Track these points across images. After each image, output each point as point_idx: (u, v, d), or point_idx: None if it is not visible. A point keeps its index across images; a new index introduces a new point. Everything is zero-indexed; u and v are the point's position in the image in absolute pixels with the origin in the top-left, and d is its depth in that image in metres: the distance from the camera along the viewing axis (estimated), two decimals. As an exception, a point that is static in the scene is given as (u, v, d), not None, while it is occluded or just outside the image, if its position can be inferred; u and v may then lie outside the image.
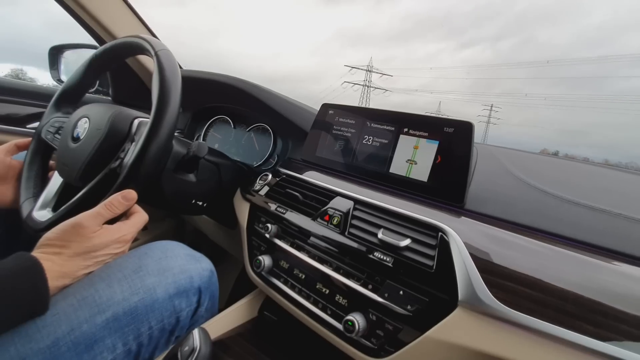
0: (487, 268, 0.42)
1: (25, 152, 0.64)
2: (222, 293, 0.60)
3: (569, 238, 0.46)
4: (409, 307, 0.46)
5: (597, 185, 0.59)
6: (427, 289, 0.45)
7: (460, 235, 0.45)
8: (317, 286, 0.56)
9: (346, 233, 0.54)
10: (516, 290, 0.40)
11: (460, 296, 0.41)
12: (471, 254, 0.43)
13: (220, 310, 0.63)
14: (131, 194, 0.48)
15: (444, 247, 0.45)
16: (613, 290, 0.38)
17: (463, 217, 0.51)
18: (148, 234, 1.11)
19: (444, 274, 0.44)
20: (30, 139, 0.65)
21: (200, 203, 0.70)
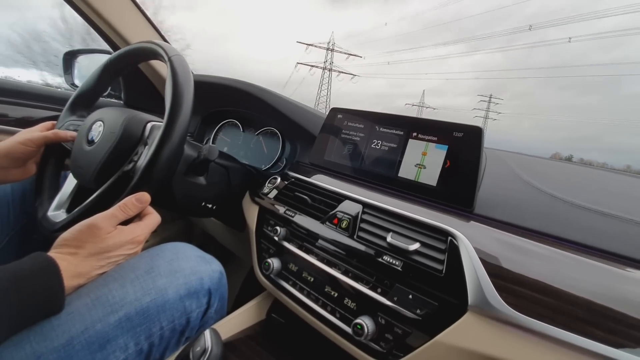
0: (497, 273, 0.42)
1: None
2: (229, 295, 0.61)
3: (580, 243, 0.46)
4: (418, 311, 0.46)
5: (607, 191, 0.59)
6: (437, 293, 0.45)
7: (470, 240, 0.45)
8: (326, 289, 0.56)
9: (355, 236, 0.54)
10: (526, 295, 0.40)
11: (470, 301, 0.41)
12: (481, 259, 0.43)
13: (228, 312, 0.63)
14: (145, 196, 0.48)
15: (453, 252, 0.45)
16: (625, 296, 0.38)
17: (472, 222, 0.51)
18: (157, 236, 1.12)
19: (453, 278, 0.44)
20: (54, 127, 0.66)
21: (210, 206, 0.71)
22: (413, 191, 0.59)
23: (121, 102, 1.14)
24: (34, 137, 0.60)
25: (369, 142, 0.67)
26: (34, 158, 0.63)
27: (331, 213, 0.59)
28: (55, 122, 0.67)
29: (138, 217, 0.50)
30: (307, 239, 0.61)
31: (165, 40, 1.01)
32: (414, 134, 0.62)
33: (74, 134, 0.63)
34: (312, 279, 0.59)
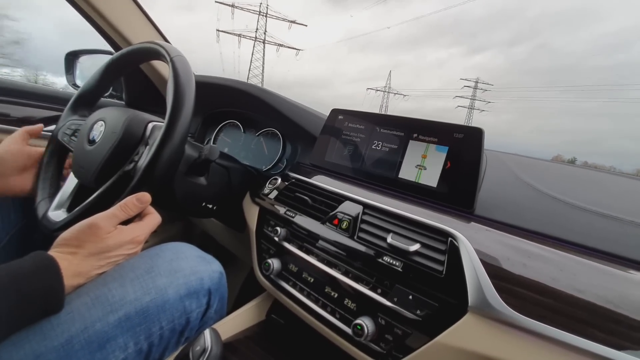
0: (497, 274, 0.42)
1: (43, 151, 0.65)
2: (229, 296, 0.61)
3: (580, 245, 0.46)
4: (418, 311, 0.45)
5: (608, 192, 0.59)
6: (437, 294, 0.45)
7: (470, 241, 0.45)
8: (326, 290, 0.56)
9: (355, 237, 0.54)
10: (527, 296, 0.39)
11: (470, 302, 0.41)
12: (481, 260, 0.43)
13: (227, 312, 0.63)
14: (145, 196, 0.48)
15: (453, 252, 0.45)
16: (625, 298, 0.38)
17: (473, 223, 0.51)
18: (157, 236, 1.12)
19: (453, 279, 0.44)
20: (40, 125, 0.66)
21: (210, 206, 0.71)
22: (413, 192, 0.59)
23: (122, 102, 1.14)
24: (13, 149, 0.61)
25: (370, 143, 0.67)
26: (30, 162, 0.63)
27: (331, 214, 0.59)
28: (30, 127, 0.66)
29: (139, 217, 0.50)
30: (307, 240, 0.61)
31: (166, 41, 1.01)
32: (415, 135, 0.62)
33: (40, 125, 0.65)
34: (312, 280, 0.59)
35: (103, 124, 0.57)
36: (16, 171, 0.61)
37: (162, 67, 1.04)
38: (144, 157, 0.53)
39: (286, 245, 0.62)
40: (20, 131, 0.64)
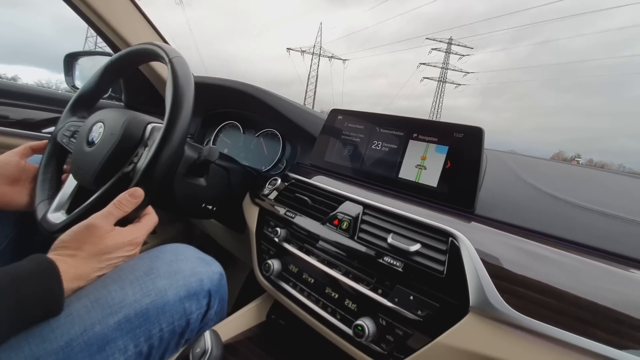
0: (498, 274, 0.42)
1: (41, 155, 0.65)
2: (229, 297, 0.60)
3: (582, 244, 0.46)
4: (419, 312, 0.45)
5: (609, 191, 0.58)
6: (438, 294, 0.45)
7: (471, 241, 0.45)
8: (327, 290, 0.56)
9: (355, 237, 0.54)
10: (528, 296, 0.39)
11: (471, 302, 0.41)
12: (482, 260, 0.43)
13: (228, 313, 0.63)
14: (138, 191, 0.48)
15: (454, 252, 0.45)
16: (627, 297, 0.37)
17: (473, 223, 0.51)
18: (157, 238, 1.12)
19: (454, 280, 0.43)
20: (45, 141, 0.66)
21: (210, 207, 0.71)
22: (414, 192, 0.59)
23: (122, 103, 1.14)
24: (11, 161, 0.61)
25: (370, 143, 0.67)
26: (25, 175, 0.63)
27: (331, 214, 0.59)
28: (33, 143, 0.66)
29: (137, 218, 0.49)
30: (307, 240, 0.61)
31: (165, 41, 1.01)
32: (415, 134, 0.62)
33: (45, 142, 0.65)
34: (312, 281, 0.58)
35: (102, 126, 0.57)
36: (5, 180, 0.60)
37: (161, 68, 1.04)
38: (143, 158, 0.53)
39: (286, 246, 0.62)
40: (22, 146, 0.64)
